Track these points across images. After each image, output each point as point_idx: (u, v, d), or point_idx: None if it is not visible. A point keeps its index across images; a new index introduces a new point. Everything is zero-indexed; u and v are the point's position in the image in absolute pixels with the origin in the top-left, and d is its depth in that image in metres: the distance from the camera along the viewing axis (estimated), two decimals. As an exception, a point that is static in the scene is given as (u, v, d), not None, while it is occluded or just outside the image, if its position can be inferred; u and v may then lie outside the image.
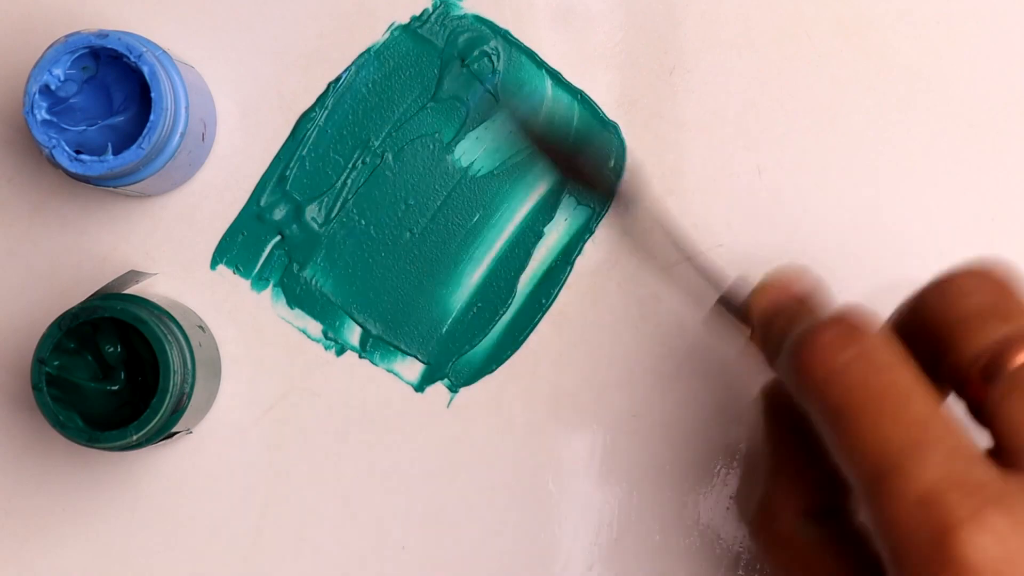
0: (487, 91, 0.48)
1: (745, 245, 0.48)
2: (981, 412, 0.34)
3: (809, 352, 0.34)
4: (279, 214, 0.48)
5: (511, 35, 0.48)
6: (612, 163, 0.48)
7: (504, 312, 0.48)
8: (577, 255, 0.48)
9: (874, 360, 0.34)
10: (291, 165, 0.48)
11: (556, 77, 0.48)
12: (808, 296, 0.40)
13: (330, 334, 0.48)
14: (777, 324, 0.38)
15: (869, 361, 0.33)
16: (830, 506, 0.37)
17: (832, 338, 0.34)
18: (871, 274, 0.48)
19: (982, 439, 0.34)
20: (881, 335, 0.34)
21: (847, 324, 0.34)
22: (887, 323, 0.38)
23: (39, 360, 0.43)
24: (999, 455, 0.33)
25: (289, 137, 0.48)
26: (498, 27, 0.48)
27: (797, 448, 0.37)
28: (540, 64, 0.48)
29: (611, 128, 0.48)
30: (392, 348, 0.48)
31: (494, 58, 0.48)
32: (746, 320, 0.42)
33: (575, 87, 0.48)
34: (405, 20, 0.48)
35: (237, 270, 0.48)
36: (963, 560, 0.30)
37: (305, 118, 0.48)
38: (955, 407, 0.35)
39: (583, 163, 0.47)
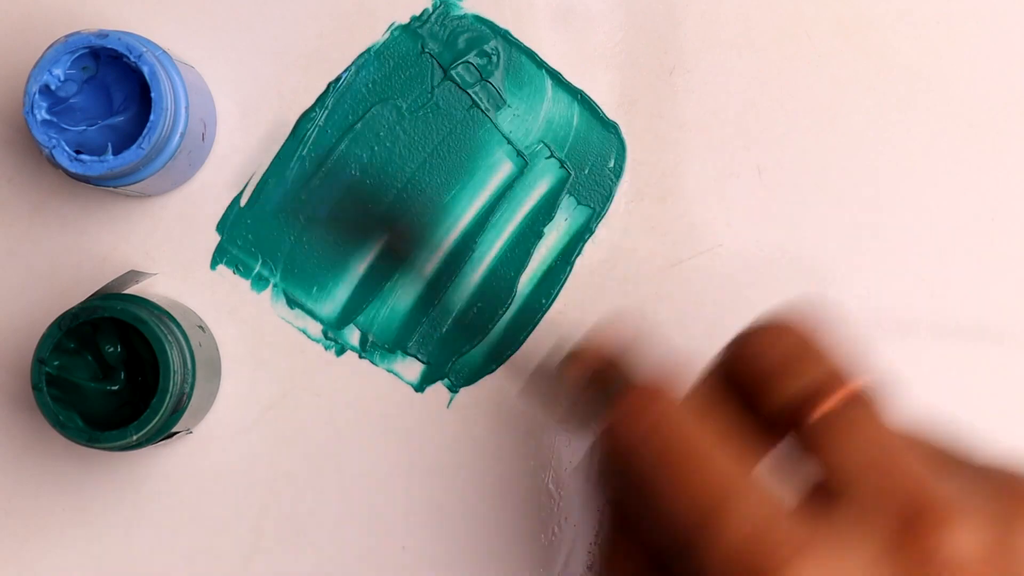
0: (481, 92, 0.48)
1: (745, 245, 0.48)
2: (799, 446, 0.35)
3: (610, 425, 0.35)
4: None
5: (511, 35, 0.48)
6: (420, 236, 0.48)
7: (504, 312, 0.48)
8: (577, 255, 0.48)
9: (673, 423, 0.34)
10: (291, 165, 0.48)
11: (556, 77, 0.48)
12: (616, 358, 0.40)
13: (330, 334, 0.48)
14: (585, 396, 0.40)
15: (668, 425, 0.34)
16: (668, 557, 0.37)
17: (630, 407, 0.35)
18: (871, 274, 0.48)
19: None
20: (678, 399, 0.35)
21: (643, 391, 0.35)
22: (705, 374, 0.38)
23: (39, 360, 0.43)
24: (823, 488, 0.33)
25: (290, 136, 0.48)
26: (498, 27, 0.48)
27: (633, 505, 0.38)
28: (540, 64, 0.48)
29: (611, 128, 0.48)
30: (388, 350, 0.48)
31: (494, 58, 0.48)
32: (556, 394, 0.42)
33: (575, 87, 0.48)
34: (405, 20, 0.48)
35: (237, 270, 0.48)
36: None
37: (305, 118, 0.48)
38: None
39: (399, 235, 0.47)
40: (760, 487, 0.33)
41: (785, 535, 0.32)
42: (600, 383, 0.40)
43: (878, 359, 0.36)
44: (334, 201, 0.48)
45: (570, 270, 0.48)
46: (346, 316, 0.48)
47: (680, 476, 0.33)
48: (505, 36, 0.48)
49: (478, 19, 0.48)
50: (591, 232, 0.48)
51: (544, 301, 0.48)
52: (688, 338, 0.48)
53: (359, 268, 0.48)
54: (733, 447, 0.34)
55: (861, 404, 0.34)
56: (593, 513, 0.48)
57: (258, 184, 0.48)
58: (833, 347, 0.35)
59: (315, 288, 0.48)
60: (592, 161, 0.48)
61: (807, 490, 0.33)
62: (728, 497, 0.32)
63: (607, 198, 0.48)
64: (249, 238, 0.48)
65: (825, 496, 0.33)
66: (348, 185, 0.47)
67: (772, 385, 0.35)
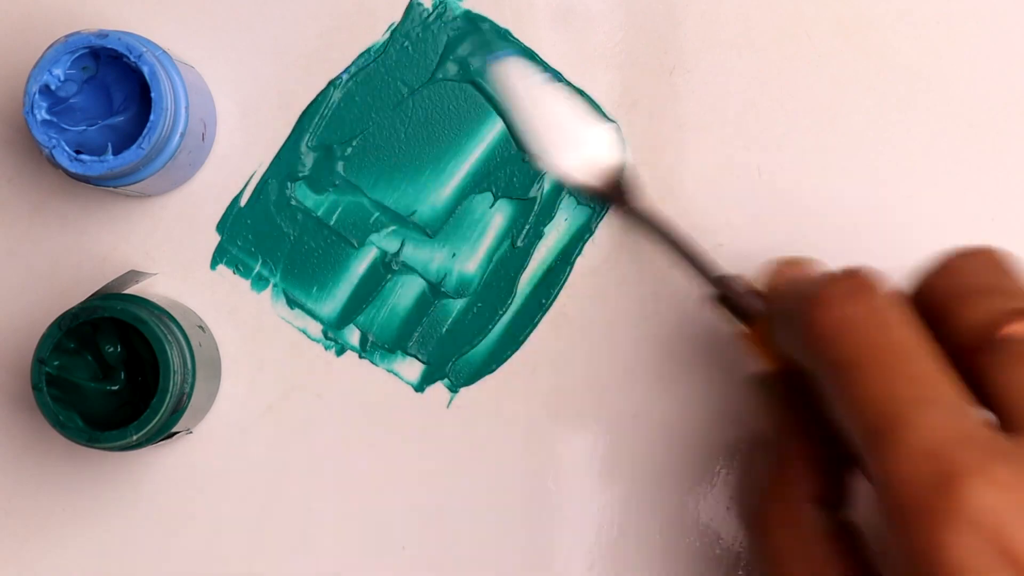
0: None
1: (745, 245, 0.48)
2: (980, 386, 0.34)
3: (819, 304, 0.35)
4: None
5: (511, 35, 0.48)
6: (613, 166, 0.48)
7: (504, 312, 0.48)
8: (577, 255, 0.48)
9: (883, 315, 0.34)
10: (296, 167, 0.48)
11: (556, 77, 0.48)
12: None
13: (330, 334, 0.48)
14: (787, 289, 0.39)
15: (877, 316, 0.34)
16: (835, 495, 0.37)
17: (842, 291, 0.35)
18: (871, 274, 0.48)
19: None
20: (890, 293, 0.35)
21: (858, 279, 0.35)
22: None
23: (39, 360, 0.43)
24: (1000, 424, 0.33)
25: (292, 134, 0.48)
26: (499, 27, 0.48)
27: (804, 433, 0.38)
28: (540, 64, 0.48)
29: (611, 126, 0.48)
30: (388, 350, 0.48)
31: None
32: (744, 315, 0.42)
33: (575, 87, 0.48)
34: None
35: (237, 270, 0.48)
36: (967, 510, 0.30)
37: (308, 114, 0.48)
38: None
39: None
40: (959, 394, 0.32)
41: (981, 441, 0.31)
42: (803, 282, 0.39)
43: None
44: None
45: (570, 270, 0.48)
46: (346, 316, 0.48)
47: (886, 363, 0.33)
48: (505, 36, 0.48)
49: (478, 19, 0.48)
50: (591, 232, 0.48)
51: (544, 301, 0.48)
52: (688, 338, 0.48)
53: (359, 268, 0.48)
54: (938, 353, 0.33)
55: None
56: (595, 515, 0.47)
57: (258, 184, 0.48)
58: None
59: (315, 288, 0.48)
60: (592, 161, 0.48)
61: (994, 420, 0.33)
62: (928, 396, 0.32)
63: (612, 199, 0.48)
64: (249, 238, 0.48)
65: (1012, 418, 0.33)
66: None
67: (967, 304, 0.35)
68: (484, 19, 0.48)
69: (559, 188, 0.48)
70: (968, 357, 0.34)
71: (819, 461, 0.37)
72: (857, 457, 0.33)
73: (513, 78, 0.47)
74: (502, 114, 0.47)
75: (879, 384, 0.32)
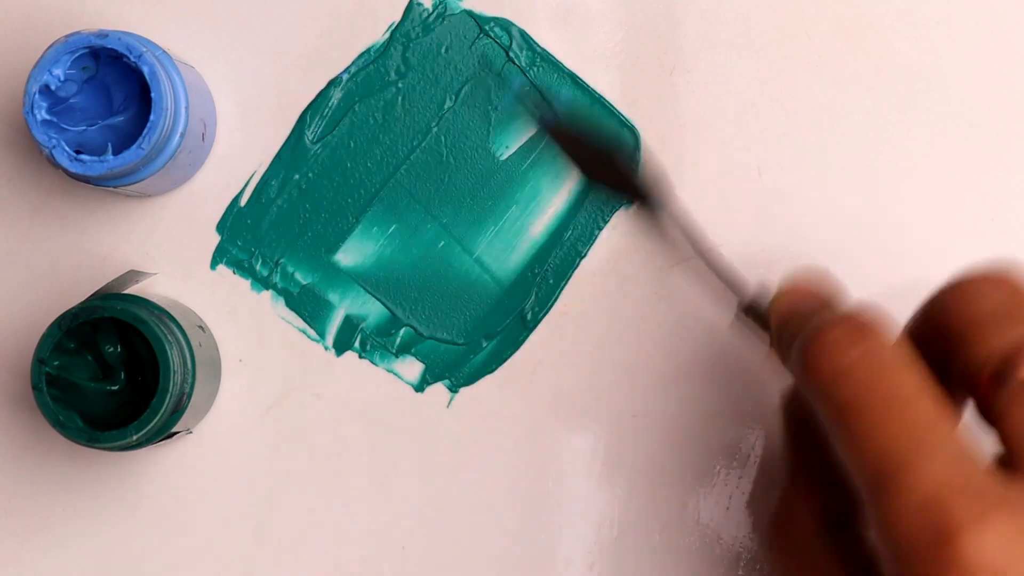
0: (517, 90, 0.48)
1: (745, 245, 0.48)
2: (990, 414, 0.34)
3: (817, 349, 0.34)
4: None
5: (527, 35, 0.48)
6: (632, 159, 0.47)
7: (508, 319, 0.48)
8: (577, 265, 0.48)
9: (881, 360, 0.34)
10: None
11: (573, 79, 0.48)
12: (828, 299, 0.40)
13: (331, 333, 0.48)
14: (793, 325, 0.38)
15: (876, 361, 0.33)
16: (846, 515, 0.37)
17: (840, 336, 0.34)
18: (871, 274, 0.48)
19: (991, 441, 0.34)
20: (890, 336, 0.34)
21: (856, 323, 0.34)
22: (908, 324, 0.38)
23: (39, 360, 0.43)
24: (1006, 459, 0.33)
25: (292, 133, 0.48)
26: (512, 24, 0.48)
27: (817, 454, 0.37)
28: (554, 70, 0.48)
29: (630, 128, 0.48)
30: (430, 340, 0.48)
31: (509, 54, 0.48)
32: (768, 327, 0.42)
33: (591, 89, 0.48)
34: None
35: (237, 270, 0.48)
36: (966, 562, 0.30)
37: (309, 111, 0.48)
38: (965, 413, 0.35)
39: (613, 164, 0.46)
40: (958, 439, 0.32)
41: (979, 490, 0.31)
42: (808, 316, 0.38)
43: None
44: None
45: (571, 272, 0.48)
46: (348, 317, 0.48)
47: (884, 410, 0.32)
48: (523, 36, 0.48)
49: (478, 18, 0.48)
50: (582, 256, 0.48)
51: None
52: (689, 338, 0.48)
53: (359, 265, 0.48)
54: (937, 396, 0.33)
55: None
56: (595, 515, 0.47)
57: (258, 184, 0.48)
58: None
59: (314, 288, 0.48)
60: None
61: (998, 450, 0.33)
62: (926, 443, 0.32)
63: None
64: (249, 238, 0.48)
65: (1018, 458, 0.32)
66: None
67: (982, 332, 0.34)
68: (491, 62, 0.48)
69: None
70: (981, 388, 0.34)
71: (830, 480, 0.37)
72: (859, 496, 0.33)
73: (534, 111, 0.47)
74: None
75: (877, 431, 0.32)
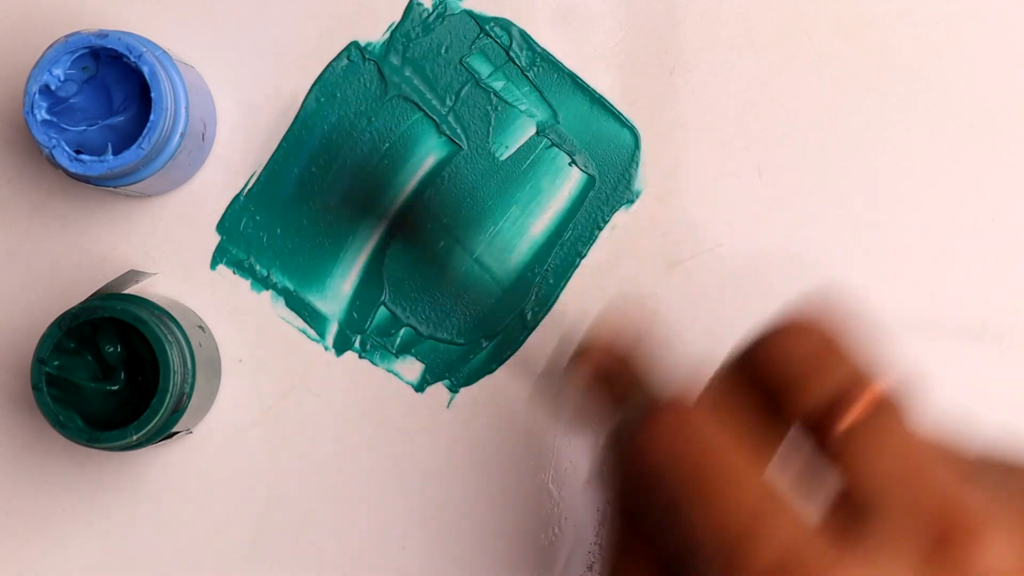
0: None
1: (745, 245, 0.48)
2: (827, 457, 0.34)
3: (638, 448, 0.34)
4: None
5: (528, 36, 0.48)
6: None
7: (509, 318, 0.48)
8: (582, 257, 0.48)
9: (698, 445, 0.34)
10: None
11: (573, 78, 0.48)
12: (627, 356, 0.40)
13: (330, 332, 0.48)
14: (601, 397, 0.39)
15: (693, 448, 0.34)
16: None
17: (655, 431, 0.34)
18: (871, 274, 0.48)
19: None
20: (709, 415, 0.35)
21: (674, 411, 0.34)
22: (716, 378, 0.38)
23: (39, 360, 0.43)
24: (850, 500, 0.33)
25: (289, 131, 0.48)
26: (512, 24, 0.48)
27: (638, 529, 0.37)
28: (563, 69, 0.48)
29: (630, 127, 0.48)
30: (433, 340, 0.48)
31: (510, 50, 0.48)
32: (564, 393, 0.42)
33: (593, 90, 0.48)
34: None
35: (237, 270, 0.48)
36: None
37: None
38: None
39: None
40: (789, 507, 0.32)
41: (816, 557, 0.31)
42: (610, 382, 0.39)
43: (893, 357, 0.36)
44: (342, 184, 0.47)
45: (571, 272, 0.48)
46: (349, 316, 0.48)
47: (709, 498, 0.33)
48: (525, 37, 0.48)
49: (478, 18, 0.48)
50: (582, 256, 0.48)
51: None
52: (688, 338, 0.48)
53: (357, 264, 0.48)
54: (754, 454, 0.33)
55: (886, 411, 0.33)
56: (595, 515, 0.48)
57: (256, 184, 0.48)
58: (855, 346, 0.35)
59: (315, 287, 0.48)
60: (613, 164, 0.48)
61: (832, 501, 0.33)
62: (758, 519, 0.32)
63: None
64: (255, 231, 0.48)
65: (852, 509, 0.33)
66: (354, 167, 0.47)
67: (796, 390, 0.34)
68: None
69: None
70: (813, 433, 0.34)
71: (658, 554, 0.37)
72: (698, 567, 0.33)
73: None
74: None
75: (711, 515, 0.32)
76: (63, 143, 0.43)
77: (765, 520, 0.32)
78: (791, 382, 0.34)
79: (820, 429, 0.34)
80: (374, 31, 0.48)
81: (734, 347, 0.36)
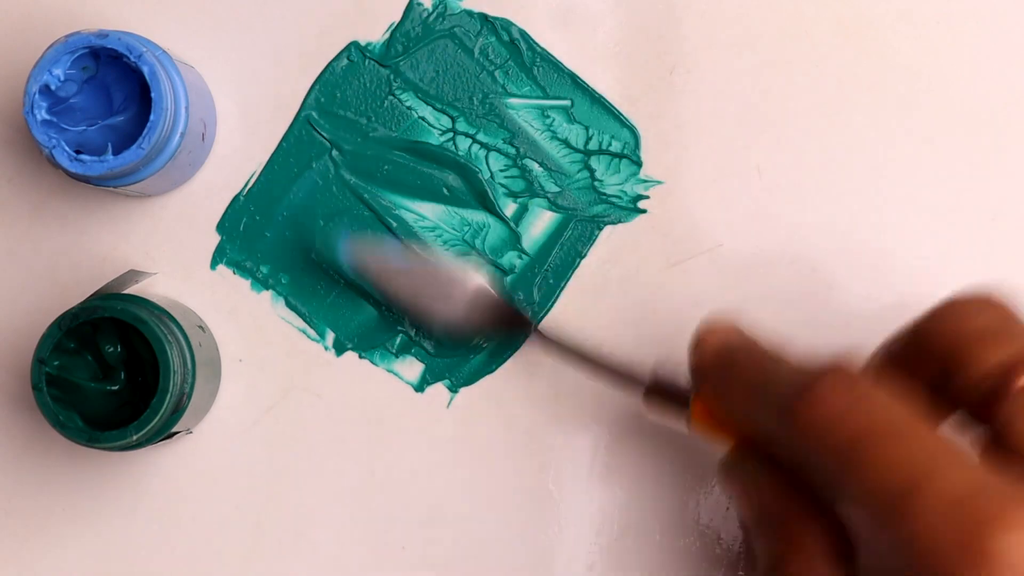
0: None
1: (745, 245, 0.48)
2: (995, 430, 0.35)
3: (808, 403, 0.35)
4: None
5: (528, 36, 0.48)
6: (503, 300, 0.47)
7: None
8: (574, 269, 0.48)
9: (875, 399, 0.35)
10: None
11: (573, 79, 0.48)
12: (753, 340, 0.41)
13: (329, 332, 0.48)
14: (736, 371, 0.39)
15: (870, 401, 0.35)
16: (848, 547, 0.37)
17: (829, 387, 0.35)
18: (871, 274, 0.48)
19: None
20: (873, 378, 0.36)
21: (842, 373, 0.36)
22: (882, 350, 0.39)
23: (39, 360, 0.43)
24: (1011, 471, 0.34)
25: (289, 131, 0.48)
26: (510, 24, 0.48)
27: (795, 497, 0.38)
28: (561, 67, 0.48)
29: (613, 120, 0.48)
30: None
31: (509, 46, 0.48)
32: (683, 401, 0.42)
33: (593, 90, 0.48)
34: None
35: (237, 270, 0.48)
36: (997, 556, 0.31)
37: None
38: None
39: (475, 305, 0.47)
40: (962, 452, 0.33)
41: (1002, 487, 0.32)
42: (746, 351, 0.40)
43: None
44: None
45: (571, 272, 0.48)
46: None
47: (893, 438, 0.34)
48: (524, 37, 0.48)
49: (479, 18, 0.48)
50: (582, 256, 0.48)
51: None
52: (688, 338, 0.48)
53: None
54: (931, 417, 0.34)
55: None
56: (595, 515, 0.47)
57: (255, 184, 0.48)
58: None
59: (315, 287, 0.48)
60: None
61: (994, 462, 0.34)
62: (943, 453, 0.33)
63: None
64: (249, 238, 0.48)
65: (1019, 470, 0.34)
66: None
67: (974, 354, 0.36)
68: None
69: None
70: (982, 404, 0.35)
71: (824, 519, 0.37)
72: (855, 534, 0.34)
73: (365, 258, 0.47)
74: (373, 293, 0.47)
75: (889, 458, 0.33)
76: (63, 143, 0.43)
77: (946, 459, 0.33)
78: (971, 346, 0.36)
79: (996, 393, 0.35)
80: (374, 31, 0.48)
81: (898, 327, 0.37)
